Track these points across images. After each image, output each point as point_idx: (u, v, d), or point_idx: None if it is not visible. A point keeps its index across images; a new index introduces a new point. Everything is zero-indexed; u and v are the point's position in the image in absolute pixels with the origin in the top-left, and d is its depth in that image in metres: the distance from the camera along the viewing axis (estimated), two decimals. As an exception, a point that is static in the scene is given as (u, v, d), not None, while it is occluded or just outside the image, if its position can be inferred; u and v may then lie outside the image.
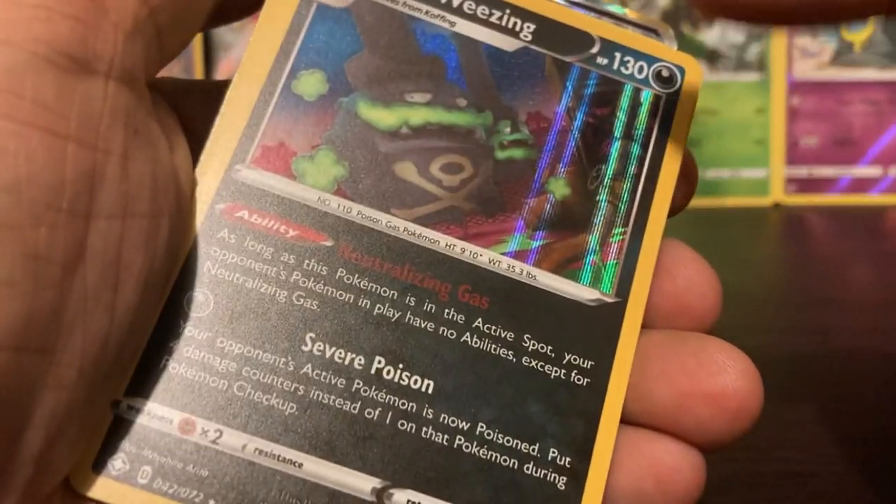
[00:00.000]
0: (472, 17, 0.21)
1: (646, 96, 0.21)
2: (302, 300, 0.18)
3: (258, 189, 0.19)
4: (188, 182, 0.18)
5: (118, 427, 0.17)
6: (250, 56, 0.20)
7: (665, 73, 0.21)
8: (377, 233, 0.19)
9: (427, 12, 0.21)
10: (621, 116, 0.21)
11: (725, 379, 0.19)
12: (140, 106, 0.17)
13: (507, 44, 0.21)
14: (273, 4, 0.20)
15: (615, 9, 0.22)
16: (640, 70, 0.21)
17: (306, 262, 0.19)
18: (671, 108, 0.21)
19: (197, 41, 0.48)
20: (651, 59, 0.21)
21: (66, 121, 0.15)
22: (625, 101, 0.21)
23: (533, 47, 0.21)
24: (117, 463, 0.17)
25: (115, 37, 0.16)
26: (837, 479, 0.25)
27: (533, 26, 0.21)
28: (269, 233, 0.19)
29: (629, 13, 0.22)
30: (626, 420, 0.19)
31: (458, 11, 0.21)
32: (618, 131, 0.21)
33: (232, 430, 0.17)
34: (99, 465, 0.17)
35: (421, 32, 0.21)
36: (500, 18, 0.21)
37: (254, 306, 0.18)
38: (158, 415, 0.17)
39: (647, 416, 0.19)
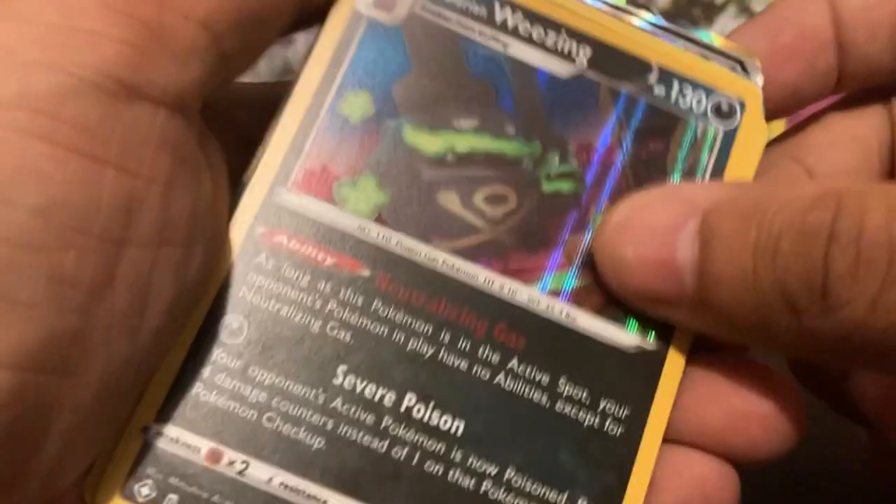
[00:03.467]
0: (527, 40, 0.20)
1: (702, 131, 0.20)
2: (336, 331, 0.18)
3: (299, 214, 0.19)
4: (225, 211, 0.18)
5: (147, 453, 0.17)
6: (306, 75, 0.19)
7: (724, 108, 0.21)
8: (415, 265, 0.19)
9: (480, 32, 0.20)
10: (675, 152, 0.20)
11: (777, 401, 0.19)
12: (190, 134, 0.17)
13: (562, 69, 0.20)
14: (329, 21, 0.20)
15: (702, 36, 0.21)
16: (699, 102, 0.21)
17: (342, 291, 0.18)
18: (728, 146, 0.20)
19: None
20: (710, 91, 0.21)
21: (108, 146, 0.15)
22: (680, 136, 0.20)
23: (588, 74, 0.20)
24: (144, 489, 0.17)
25: (170, 64, 0.16)
26: (836, 480, 0.24)
27: (589, 51, 0.20)
28: (307, 260, 0.18)
29: (716, 40, 0.21)
30: (669, 439, 0.19)
31: (513, 33, 0.20)
32: (671, 167, 0.20)
33: (259, 461, 0.17)
34: (127, 492, 0.17)
35: (473, 54, 0.20)
36: (556, 42, 0.20)
37: (288, 335, 0.18)
38: (187, 442, 0.17)
39: (692, 435, 0.19)
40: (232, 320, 0.18)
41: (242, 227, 0.18)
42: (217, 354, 0.18)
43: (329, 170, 0.19)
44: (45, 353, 0.14)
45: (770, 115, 0.21)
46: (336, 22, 0.20)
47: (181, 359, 0.17)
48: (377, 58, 0.20)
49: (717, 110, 0.21)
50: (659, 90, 0.20)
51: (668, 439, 0.19)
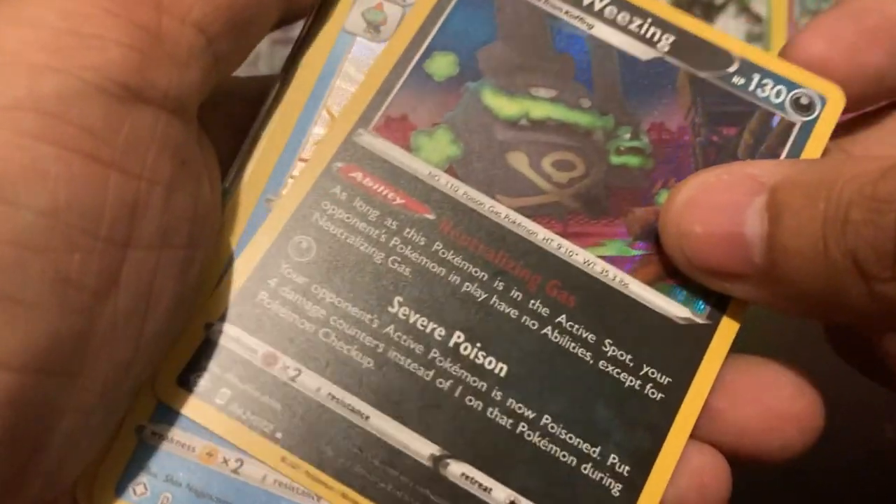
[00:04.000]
0: (612, 23, 0.21)
1: (778, 121, 0.21)
2: (397, 265, 0.19)
3: (376, 155, 0.20)
4: (220, 213, 0.18)
5: (207, 348, 0.18)
6: (399, 32, 0.21)
7: (804, 101, 0.21)
8: (478, 215, 0.20)
9: (567, 12, 0.21)
10: (749, 139, 0.21)
11: (808, 399, 0.19)
12: (189, 137, 0.17)
13: (642, 52, 0.21)
14: None
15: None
16: (778, 94, 0.21)
17: (407, 230, 0.19)
18: (804, 137, 0.21)
19: None
20: (791, 85, 0.21)
21: (112, 148, 0.15)
22: (755, 124, 0.21)
23: (668, 59, 0.21)
24: (200, 381, 0.18)
25: (170, 67, 0.16)
26: (837, 479, 0.24)
27: (672, 38, 0.21)
28: (377, 197, 0.20)
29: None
30: (696, 437, 0.19)
31: (599, 15, 0.21)
32: (742, 154, 0.21)
33: (311, 371, 0.18)
34: (183, 380, 0.18)
35: (557, 31, 0.21)
36: (640, 27, 0.21)
37: (352, 262, 0.19)
38: (246, 344, 0.18)
39: (721, 434, 0.19)
40: (302, 240, 0.19)
41: (322, 160, 0.20)
42: (284, 268, 0.19)
43: (409, 119, 0.20)
44: (49, 355, 0.14)
45: (854, 105, 0.21)
46: (433, -11, 0.21)
47: (252, 265, 0.19)
48: (467, 25, 0.21)
49: (797, 103, 0.21)
50: (738, 79, 0.21)
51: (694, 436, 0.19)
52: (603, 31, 0.21)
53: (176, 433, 0.18)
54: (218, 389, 0.18)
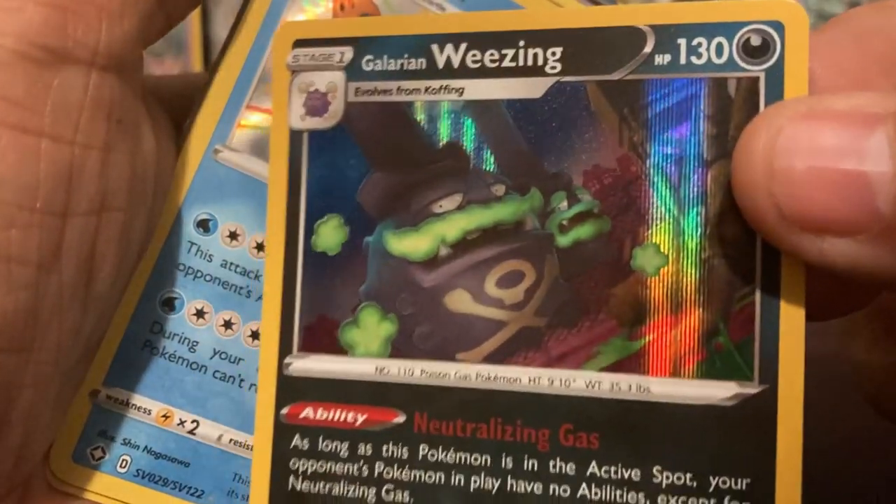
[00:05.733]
0: (481, 72, 0.17)
1: (735, 86, 0.15)
2: (392, 494, 0.16)
3: (314, 380, 0.17)
4: (168, 167, 0.18)
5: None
6: (271, 222, 0.17)
7: (755, 42, 0.15)
8: (448, 390, 0.16)
9: (427, 89, 0.17)
10: (711, 129, 0.15)
11: None
12: (127, 91, 0.16)
13: (531, 88, 0.16)
14: (273, 152, 0.17)
15: None
16: (720, 50, 0.15)
17: (384, 448, 0.17)
18: (776, 89, 0.15)
19: (196, 40, 0.45)
20: (731, 29, 0.15)
21: (39, 116, 0.14)
22: (709, 106, 0.15)
23: (566, 79, 0.16)
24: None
25: (99, 22, 0.15)
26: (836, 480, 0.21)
27: (559, 50, 0.16)
28: (339, 426, 0.17)
29: None
30: None
31: (462, 72, 0.17)
32: (710, 152, 0.15)
33: None
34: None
35: (428, 119, 0.17)
36: (516, 57, 0.16)
37: None
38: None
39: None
40: (291, 517, 0.17)
41: (268, 412, 0.17)
42: (288, 556, 0.17)
43: (327, 317, 0.17)
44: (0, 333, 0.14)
45: None
46: (278, 149, 0.18)
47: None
48: (331, 171, 0.17)
49: (748, 49, 0.15)
50: (661, 58, 0.16)
51: None
52: (476, 89, 0.17)
53: (131, 396, 0.18)
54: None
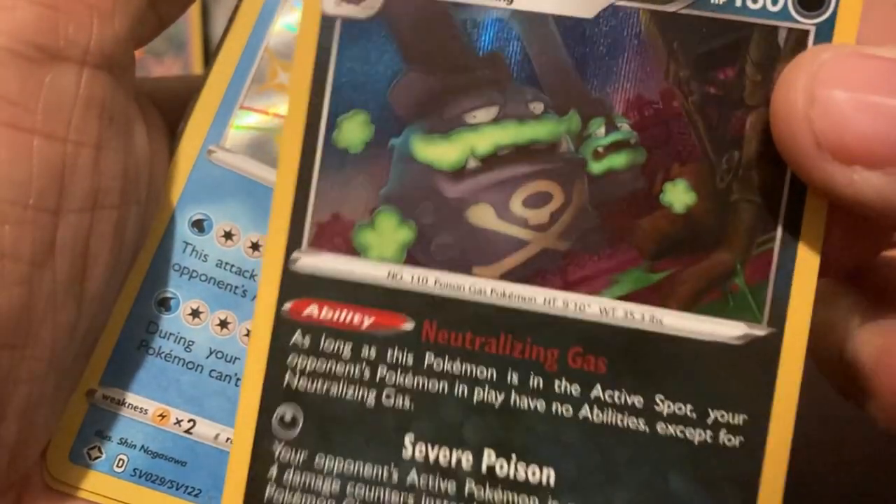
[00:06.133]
0: None
1: (786, 36, 0.15)
2: (393, 399, 0.16)
3: (322, 278, 0.17)
4: (162, 167, 0.18)
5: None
6: (291, 109, 0.17)
7: None
8: (461, 302, 0.16)
9: (474, -8, 0.16)
10: (755, 74, 0.16)
11: None
12: (118, 90, 0.16)
13: (585, 7, 0.16)
14: (300, 36, 0.17)
15: None
16: (776, -2, 0.16)
17: (389, 352, 0.16)
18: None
19: (196, 39, 0.45)
20: (791, -23, 0.15)
21: (32, 114, 0.14)
22: (756, 51, 0.16)
23: (621, 3, 0.16)
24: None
25: (91, 21, 0.15)
26: (835, 481, 0.22)
27: (617, -28, 0.16)
28: (344, 327, 0.17)
29: None
30: None
31: None
32: (752, 98, 0.16)
33: (348, 554, 0.16)
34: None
35: (472, 24, 0.16)
36: None
37: (345, 416, 0.16)
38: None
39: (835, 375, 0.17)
40: (284, 411, 0.17)
41: (269, 306, 0.17)
42: (279, 451, 0.17)
43: (342, 217, 0.17)
44: None
45: None
46: (307, 35, 0.17)
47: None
48: (363, 65, 0.17)
49: (803, 1, 0.15)
50: (718, -3, 0.16)
51: None
52: (527, 0, 0.16)
53: (127, 396, 0.18)
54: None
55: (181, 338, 0.18)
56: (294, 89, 0.17)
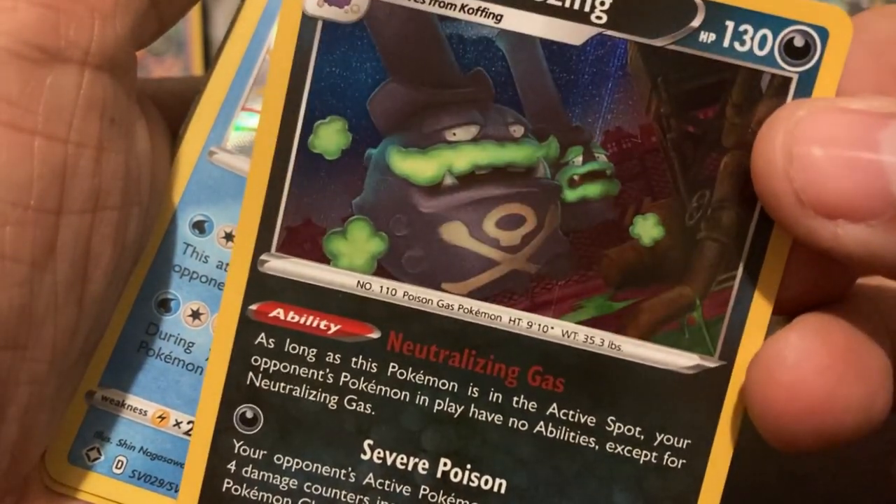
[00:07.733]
0: (524, 3, 0.16)
1: (769, 82, 0.16)
2: (354, 404, 0.17)
3: (290, 281, 0.17)
4: (164, 168, 0.18)
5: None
6: (266, 109, 0.16)
7: (798, 43, 0.16)
8: (428, 315, 0.17)
9: (465, 7, 0.16)
10: (733, 117, 0.16)
11: None
12: (120, 91, 0.16)
13: (573, 34, 0.16)
14: (279, 35, 0.16)
15: None
16: (763, 42, 0.16)
17: (354, 359, 0.17)
18: (805, 93, 0.16)
19: (196, 39, 0.44)
20: (778, 24, 0.16)
21: (33, 115, 0.14)
22: (738, 94, 0.16)
23: (610, 33, 0.16)
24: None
25: (92, 22, 0.15)
26: (833, 481, 0.23)
27: (609, 0, 0.16)
28: (309, 331, 0.17)
29: None
30: None
31: None
32: (728, 139, 0.16)
33: (304, 547, 0.17)
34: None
35: (458, 39, 0.16)
36: None
37: (306, 417, 0.17)
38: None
39: None
40: (245, 410, 0.17)
41: (234, 306, 0.17)
42: (238, 447, 0.17)
43: (313, 222, 0.17)
44: None
45: None
46: (286, 35, 0.16)
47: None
48: (343, 70, 0.16)
49: (789, 49, 0.16)
50: (706, 35, 0.16)
51: None
52: (516, 20, 0.16)
53: (127, 397, 0.18)
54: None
55: (181, 339, 0.18)
56: (270, 89, 0.16)
